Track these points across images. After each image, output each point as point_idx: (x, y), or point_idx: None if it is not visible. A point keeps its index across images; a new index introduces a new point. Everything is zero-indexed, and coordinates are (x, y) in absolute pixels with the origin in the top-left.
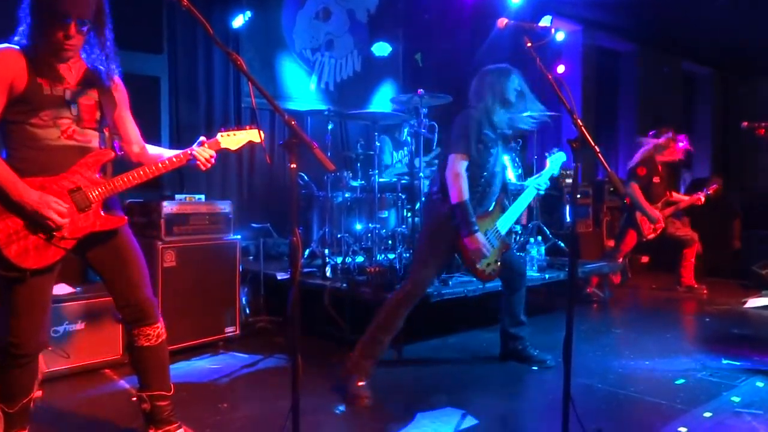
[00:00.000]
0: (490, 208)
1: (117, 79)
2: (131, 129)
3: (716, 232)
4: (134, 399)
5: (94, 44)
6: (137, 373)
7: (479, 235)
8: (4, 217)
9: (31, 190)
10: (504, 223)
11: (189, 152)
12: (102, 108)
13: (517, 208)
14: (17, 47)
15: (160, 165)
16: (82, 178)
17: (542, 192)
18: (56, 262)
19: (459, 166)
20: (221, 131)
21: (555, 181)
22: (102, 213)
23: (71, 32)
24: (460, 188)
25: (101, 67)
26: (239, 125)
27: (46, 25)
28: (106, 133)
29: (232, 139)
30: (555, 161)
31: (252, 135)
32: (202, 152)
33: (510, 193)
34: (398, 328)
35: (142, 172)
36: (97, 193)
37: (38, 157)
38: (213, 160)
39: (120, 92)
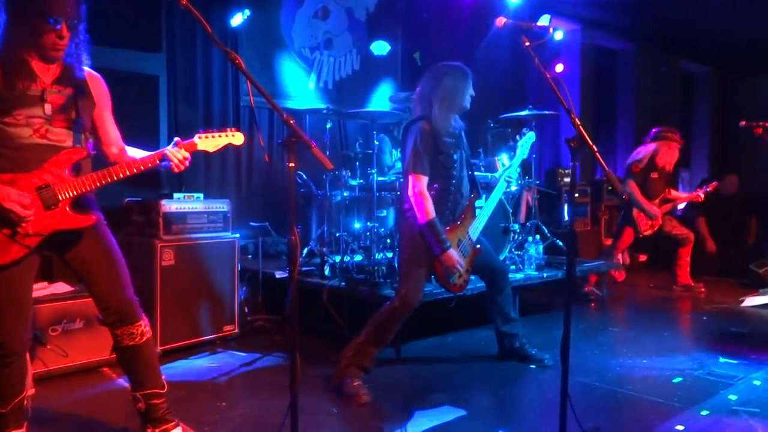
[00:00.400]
0: (462, 217)
1: (97, 77)
2: (110, 129)
3: (731, 229)
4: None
5: (71, 41)
6: (127, 373)
7: (452, 252)
8: None
9: None
10: (476, 228)
11: (162, 152)
12: (78, 108)
13: (488, 208)
14: None
15: (132, 165)
16: (51, 176)
17: (513, 183)
18: (20, 259)
19: (421, 184)
20: (199, 133)
21: (552, 181)
22: (69, 211)
23: (63, 33)
24: (426, 208)
25: (75, 64)
26: (238, 125)
27: (34, 27)
28: (82, 134)
29: (210, 142)
30: (524, 144)
31: (233, 139)
32: (176, 153)
33: (480, 187)
34: (389, 341)
35: (113, 172)
36: (65, 190)
37: (10, 156)
38: (187, 162)
39: (100, 91)
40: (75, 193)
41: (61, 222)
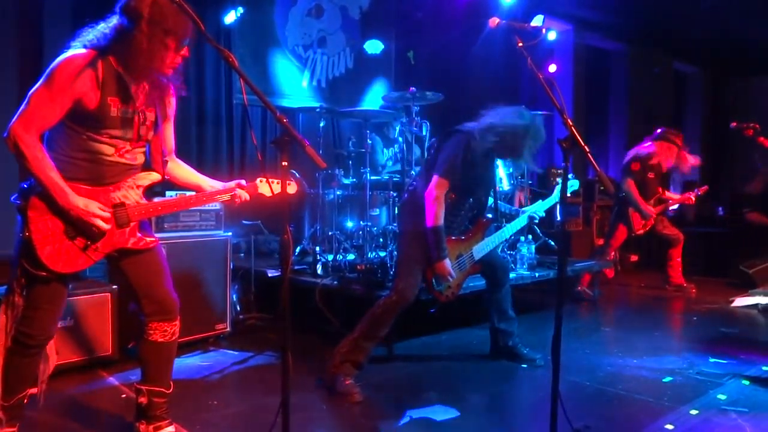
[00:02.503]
0: (469, 233)
1: (172, 89)
2: (168, 141)
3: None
4: (125, 395)
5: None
6: (142, 365)
7: (446, 262)
8: (46, 218)
9: (77, 197)
10: (482, 248)
11: (234, 192)
12: (157, 126)
13: (502, 236)
14: (98, 53)
15: (204, 198)
16: (127, 195)
17: (537, 221)
18: (82, 271)
19: (441, 190)
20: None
21: (544, 181)
22: (138, 233)
23: (184, 52)
24: (436, 213)
25: (164, 81)
26: (230, 123)
27: (161, 45)
28: (158, 157)
29: (268, 187)
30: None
31: (290, 188)
32: (242, 194)
33: (501, 215)
34: (383, 336)
35: (183, 201)
36: (138, 212)
37: (88, 168)
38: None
39: (172, 105)
40: (147, 216)
41: (128, 241)
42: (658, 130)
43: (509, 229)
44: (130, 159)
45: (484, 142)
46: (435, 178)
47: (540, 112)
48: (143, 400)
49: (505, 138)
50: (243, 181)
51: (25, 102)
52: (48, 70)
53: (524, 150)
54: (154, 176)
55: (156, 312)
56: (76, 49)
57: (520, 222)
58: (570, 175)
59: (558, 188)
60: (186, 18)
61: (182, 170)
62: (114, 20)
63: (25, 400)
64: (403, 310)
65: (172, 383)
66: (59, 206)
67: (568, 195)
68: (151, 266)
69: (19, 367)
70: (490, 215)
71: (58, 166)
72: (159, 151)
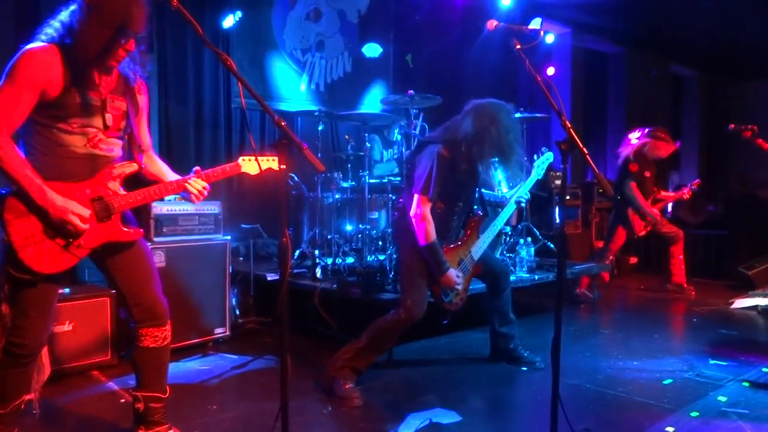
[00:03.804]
0: (464, 236)
1: (142, 83)
2: (143, 135)
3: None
4: (124, 399)
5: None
6: (136, 372)
7: (451, 272)
8: (23, 220)
9: (55, 195)
10: (479, 247)
11: (183, 183)
12: (128, 116)
13: (494, 229)
14: (56, 44)
15: (169, 187)
16: (105, 188)
17: (524, 204)
18: (68, 269)
19: (425, 207)
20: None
21: (544, 183)
22: (121, 225)
23: (130, 47)
24: (426, 231)
25: (129, 72)
26: (229, 126)
27: (106, 36)
28: (133, 148)
29: (251, 165)
30: (541, 165)
31: (272, 163)
32: (195, 184)
33: (488, 204)
34: (388, 349)
35: (157, 190)
36: (118, 204)
37: (62, 164)
38: (206, 192)
39: (143, 97)
40: (127, 207)
41: (112, 235)
42: (647, 130)
43: (500, 220)
44: (105, 150)
45: (475, 153)
46: (415, 197)
47: (538, 115)
48: (140, 406)
49: (493, 140)
50: (197, 168)
51: None
52: (8, 68)
53: (512, 143)
54: (132, 166)
55: (146, 318)
56: (35, 43)
57: (509, 209)
58: (544, 148)
59: (537, 165)
60: (127, 10)
61: (155, 166)
62: (68, 10)
63: (22, 406)
64: (413, 326)
65: (168, 387)
66: (36, 205)
67: (543, 169)
68: (140, 271)
69: (13, 378)
70: (479, 211)
71: (34, 167)
72: (135, 145)
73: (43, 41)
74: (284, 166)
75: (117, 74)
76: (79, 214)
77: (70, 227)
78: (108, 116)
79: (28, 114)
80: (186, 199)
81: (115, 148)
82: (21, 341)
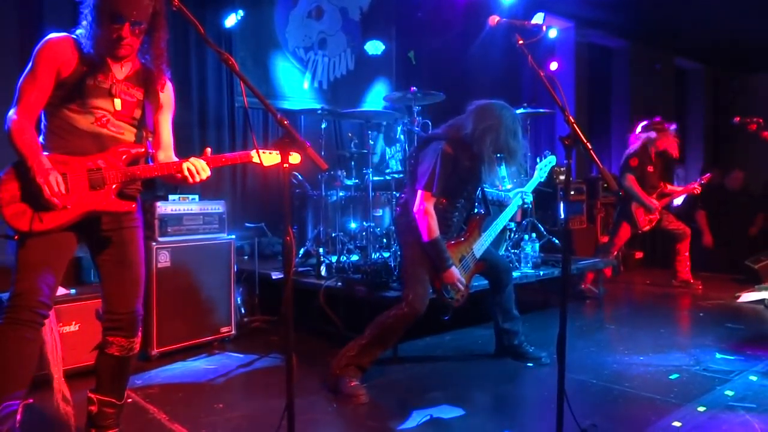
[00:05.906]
0: (467, 233)
1: (167, 81)
2: (166, 135)
3: (735, 225)
4: (131, 399)
5: (148, 45)
6: (97, 375)
7: (453, 270)
8: (14, 181)
9: (45, 160)
10: (481, 245)
11: (181, 163)
12: (144, 107)
13: (497, 227)
14: (74, 38)
15: (169, 166)
16: (105, 162)
17: (528, 204)
18: (53, 229)
19: (428, 203)
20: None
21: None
22: (113, 196)
23: (124, 33)
24: (430, 226)
25: (152, 68)
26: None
27: (103, 25)
28: (144, 133)
29: (265, 156)
30: (543, 168)
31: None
32: (195, 163)
33: (491, 203)
34: (392, 345)
35: (156, 166)
36: (113, 175)
37: (69, 142)
38: (204, 175)
39: (167, 95)
40: (123, 178)
41: (102, 203)
42: (644, 123)
43: (503, 219)
44: (114, 131)
45: (477, 151)
46: (419, 192)
47: (542, 110)
48: (93, 408)
49: (495, 140)
50: (208, 147)
51: (16, 91)
52: (31, 57)
53: (515, 144)
54: (140, 148)
55: (116, 327)
56: (56, 33)
57: (512, 208)
58: (547, 152)
59: (539, 167)
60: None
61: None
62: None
63: (18, 416)
64: (416, 321)
65: (126, 395)
66: (26, 166)
67: (545, 172)
68: (123, 281)
69: (9, 349)
70: (481, 210)
71: (44, 145)
72: (157, 142)
73: (64, 32)
74: (287, 165)
75: (139, 65)
76: (55, 180)
77: (44, 193)
78: (117, 101)
79: (47, 97)
80: (183, 182)
81: (125, 132)
82: (17, 289)
